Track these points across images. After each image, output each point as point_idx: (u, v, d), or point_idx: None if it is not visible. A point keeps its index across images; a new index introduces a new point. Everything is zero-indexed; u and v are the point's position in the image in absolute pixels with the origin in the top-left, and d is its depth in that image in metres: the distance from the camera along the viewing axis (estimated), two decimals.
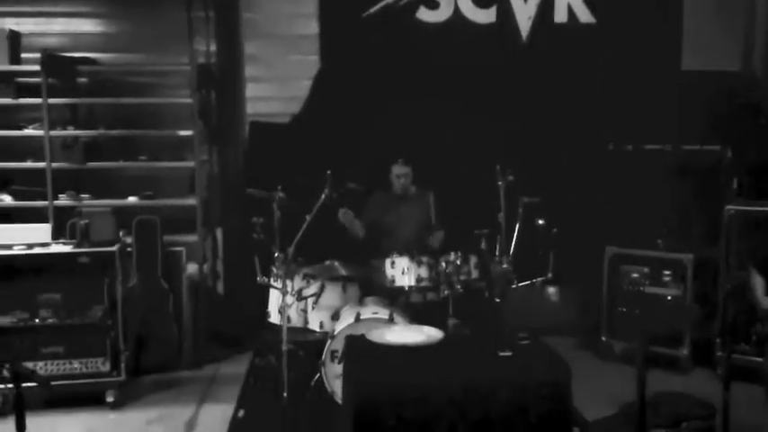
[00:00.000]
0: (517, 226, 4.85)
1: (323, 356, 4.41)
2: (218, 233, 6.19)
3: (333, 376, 4.36)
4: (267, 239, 4.76)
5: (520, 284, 4.76)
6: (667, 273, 5.27)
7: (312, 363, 4.58)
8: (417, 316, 4.76)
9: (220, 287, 6.23)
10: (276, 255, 4.71)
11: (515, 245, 4.78)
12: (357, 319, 4.36)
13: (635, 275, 5.41)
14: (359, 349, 3.56)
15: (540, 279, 4.79)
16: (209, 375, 5.25)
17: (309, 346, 4.90)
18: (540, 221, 4.97)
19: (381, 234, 5.43)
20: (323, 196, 4.70)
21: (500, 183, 4.73)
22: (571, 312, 6.08)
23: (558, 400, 3.11)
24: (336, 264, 4.74)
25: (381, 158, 5.52)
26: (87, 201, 5.52)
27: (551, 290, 6.22)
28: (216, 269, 6.20)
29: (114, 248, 4.61)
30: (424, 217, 5.38)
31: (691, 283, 5.15)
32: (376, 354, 3.45)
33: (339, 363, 4.33)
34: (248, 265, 4.70)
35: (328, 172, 4.64)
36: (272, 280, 4.82)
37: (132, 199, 5.65)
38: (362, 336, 3.65)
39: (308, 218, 4.72)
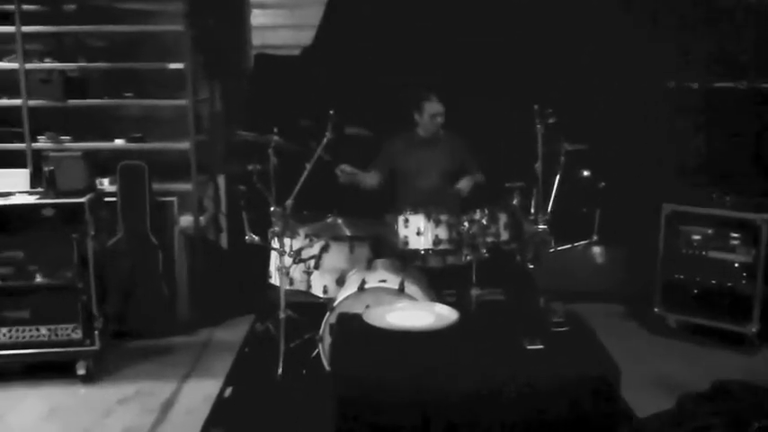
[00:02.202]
0: (557, 178, 4.09)
1: (320, 330, 3.76)
2: (221, 181, 5.53)
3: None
4: (264, 190, 4.10)
5: (558, 248, 4.03)
6: (735, 235, 4.43)
7: (314, 331, 3.93)
8: (434, 284, 4.07)
9: (224, 241, 5.60)
10: (272, 209, 4.04)
11: (554, 201, 4.03)
12: (361, 287, 3.68)
13: (696, 237, 4.58)
14: (351, 334, 2.89)
15: (583, 243, 4.03)
16: (203, 342, 4.66)
17: (313, 311, 4.25)
18: (585, 173, 4.21)
19: (399, 183, 4.70)
20: (324, 140, 3.99)
21: (538, 126, 3.96)
22: (618, 277, 5.28)
23: (601, 413, 2.39)
24: (340, 221, 4.03)
25: (401, 98, 4.74)
26: (69, 144, 4.89)
27: (596, 250, 5.43)
28: (218, 221, 5.56)
29: (83, 200, 3.97)
30: (451, 166, 4.61)
31: (765, 248, 4.30)
32: (371, 341, 2.78)
33: None
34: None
35: (331, 112, 3.92)
36: (269, 238, 4.17)
37: (119, 142, 5.00)
38: (358, 316, 2.97)
39: (308, 166, 4.03)
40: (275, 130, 4.07)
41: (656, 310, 4.73)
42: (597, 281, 5.18)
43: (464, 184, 4.45)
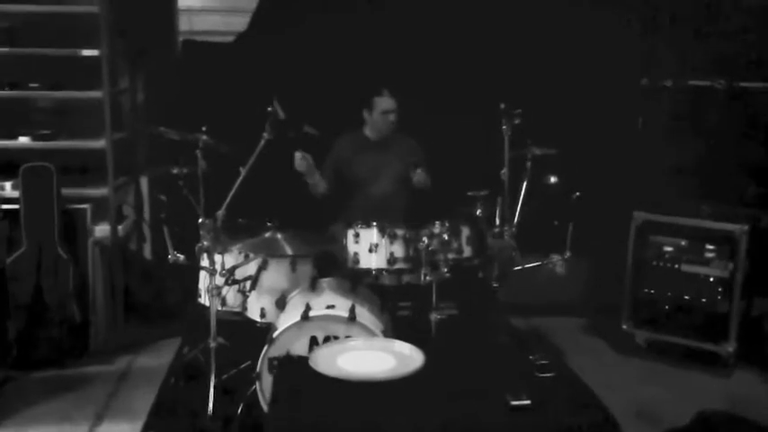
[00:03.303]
0: (524, 186, 3.67)
1: (257, 367, 3.22)
2: (143, 184, 4.90)
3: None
4: (191, 198, 3.55)
5: (526, 265, 3.61)
6: (711, 247, 4.10)
7: (250, 359, 3.39)
8: (388, 306, 3.58)
9: (148, 251, 4.98)
10: (200, 221, 3.48)
11: (521, 211, 3.62)
12: (305, 315, 3.16)
13: (669, 249, 4.23)
14: (295, 384, 2.37)
15: (553, 260, 3.62)
16: (121, 372, 4.05)
17: (249, 336, 3.70)
18: (553, 179, 3.80)
19: (347, 190, 4.20)
20: (262, 141, 3.46)
21: (504, 127, 3.53)
22: (581, 289, 4.90)
23: None
24: (280, 236, 3.50)
25: (349, 94, 4.23)
26: None
27: (555, 258, 5.03)
28: (141, 230, 4.93)
29: None
30: (405, 171, 4.14)
31: (743, 261, 3.98)
32: (320, 393, 2.27)
33: None
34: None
35: (269, 108, 3.39)
36: (197, 254, 3.60)
37: (23, 140, 4.32)
38: (304, 361, 2.45)
39: (242, 170, 3.49)
40: (203, 128, 3.51)
41: (624, 327, 4.37)
42: (559, 292, 4.78)
43: (421, 175, 3.98)
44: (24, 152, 4.27)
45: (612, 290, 4.51)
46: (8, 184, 4.24)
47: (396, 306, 3.63)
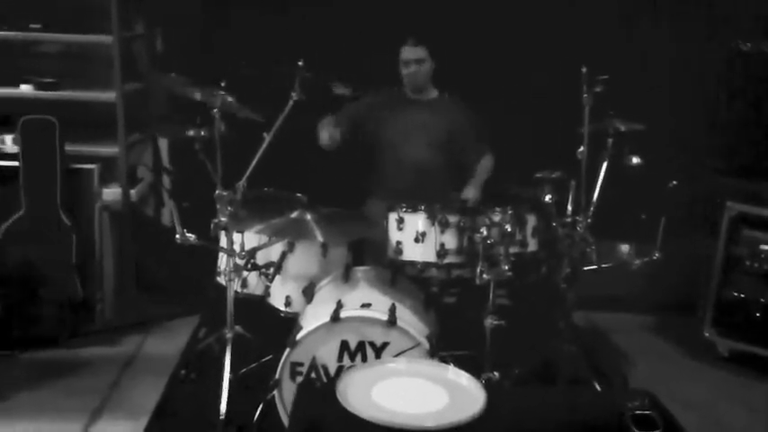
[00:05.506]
0: (603, 167, 3.06)
1: (277, 371, 2.70)
2: (162, 143, 4.37)
3: (291, 403, 2.67)
4: (208, 166, 3.01)
5: (603, 265, 3.01)
6: None
7: (275, 351, 2.86)
8: (436, 306, 3.02)
9: (167, 218, 4.46)
10: (217, 193, 2.95)
11: (599, 198, 3.02)
12: (336, 315, 2.62)
13: (766, 248, 3.58)
14: (316, 420, 1.84)
15: (638, 262, 3.02)
16: (127, 356, 3.58)
17: (271, 324, 3.20)
18: (635, 160, 3.18)
19: (378, 154, 3.64)
20: (290, 101, 2.91)
21: (585, 96, 2.91)
22: (652, 283, 4.25)
23: None
24: (309, 217, 2.94)
25: (386, 45, 3.62)
26: None
27: (624, 248, 4.39)
28: (160, 193, 4.41)
29: None
30: (442, 137, 3.56)
31: None
32: None
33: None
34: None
35: (300, 63, 2.81)
36: (213, 232, 3.08)
37: (25, 88, 3.80)
38: (330, 393, 1.90)
39: (266, 136, 2.95)
40: (222, 84, 2.94)
41: (706, 334, 3.75)
42: (620, 285, 4.14)
43: (471, 193, 3.41)
44: (26, 103, 3.76)
45: (685, 287, 3.90)
46: (8, 138, 3.76)
47: (442, 303, 3.07)
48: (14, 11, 3.82)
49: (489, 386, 1.99)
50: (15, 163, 3.65)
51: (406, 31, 3.56)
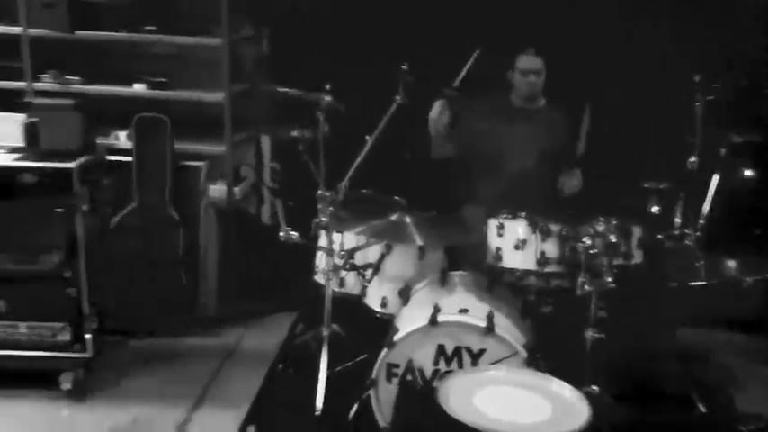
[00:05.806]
0: (715, 180, 2.94)
1: (374, 372, 2.74)
2: (265, 142, 4.49)
3: (387, 404, 2.70)
4: (312, 166, 3.08)
5: (711, 281, 2.89)
6: None
7: (370, 350, 2.91)
8: (532, 315, 2.99)
9: (266, 217, 4.58)
10: (319, 193, 3.02)
11: (710, 210, 2.90)
12: (433, 319, 2.64)
13: None
14: (416, 422, 1.86)
15: (750, 280, 2.89)
16: (228, 347, 3.72)
17: (368, 324, 3.24)
18: (748, 172, 3.04)
19: (479, 164, 3.61)
20: (394, 104, 2.94)
21: (697, 103, 2.80)
22: (755, 298, 4.05)
23: None
24: (408, 221, 2.96)
25: (495, 50, 3.58)
26: (77, 86, 3.92)
27: (731, 263, 4.20)
28: (261, 192, 4.53)
29: (72, 165, 3.02)
30: (551, 148, 3.50)
31: None
32: None
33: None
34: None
35: (404, 66, 2.84)
36: (313, 232, 3.15)
37: (138, 87, 3.99)
38: (431, 393, 1.92)
39: (368, 138, 2.99)
40: (327, 86, 3.00)
41: None
42: (735, 303, 3.94)
43: (571, 181, 3.35)
44: (138, 101, 3.93)
45: None
46: (123, 134, 3.94)
47: (538, 312, 3.02)
48: (130, 14, 4.02)
49: (592, 400, 1.95)
50: (129, 158, 3.83)
51: (508, 37, 3.52)
